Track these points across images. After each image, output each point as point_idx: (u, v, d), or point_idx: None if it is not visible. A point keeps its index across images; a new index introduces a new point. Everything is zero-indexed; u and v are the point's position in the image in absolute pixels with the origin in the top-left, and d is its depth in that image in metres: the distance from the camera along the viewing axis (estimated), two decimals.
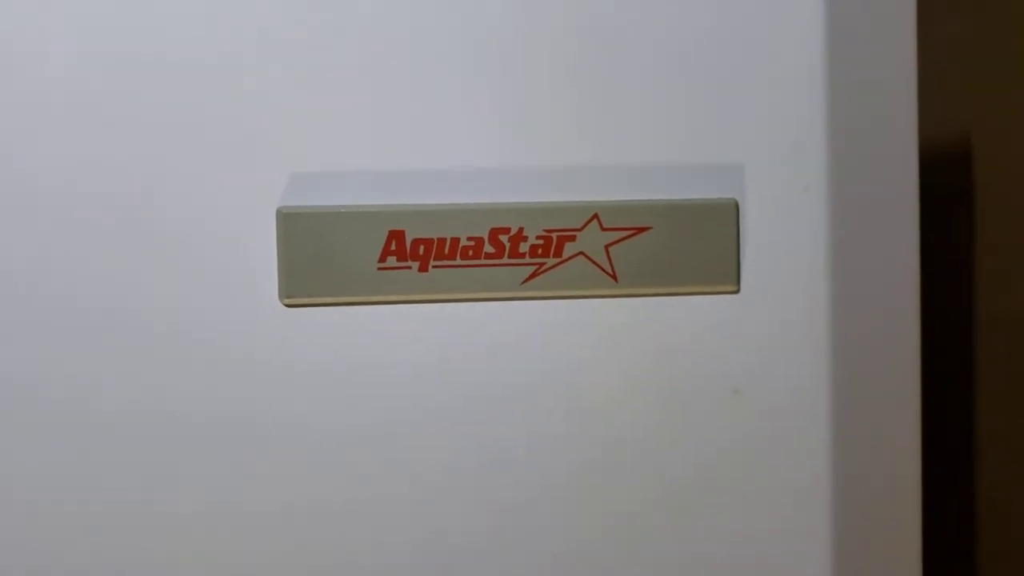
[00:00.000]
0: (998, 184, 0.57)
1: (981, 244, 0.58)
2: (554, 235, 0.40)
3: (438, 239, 0.40)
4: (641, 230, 0.41)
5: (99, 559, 0.40)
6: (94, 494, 0.40)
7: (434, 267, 0.40)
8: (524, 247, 0.40)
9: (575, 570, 0.42)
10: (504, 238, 0.40)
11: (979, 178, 0.58)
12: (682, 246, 0.41)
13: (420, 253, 0.40)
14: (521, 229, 0.40)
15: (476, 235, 0.40)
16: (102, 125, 0.39)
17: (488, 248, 0.40)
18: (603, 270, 0.41)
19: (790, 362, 0.42)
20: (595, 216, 0.40)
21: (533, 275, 0.40)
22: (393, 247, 0.40)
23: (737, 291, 0.41)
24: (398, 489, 0.41)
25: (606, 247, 0.41)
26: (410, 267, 0.40)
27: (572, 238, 0.40)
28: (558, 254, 0.40)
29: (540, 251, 0.40)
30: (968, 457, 0.59)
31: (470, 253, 0.40)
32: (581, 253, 0.41)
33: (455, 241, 0.40)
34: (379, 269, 0.40)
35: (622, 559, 0.42)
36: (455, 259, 0.40)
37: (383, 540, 0.41)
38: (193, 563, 0.40)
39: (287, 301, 0.40)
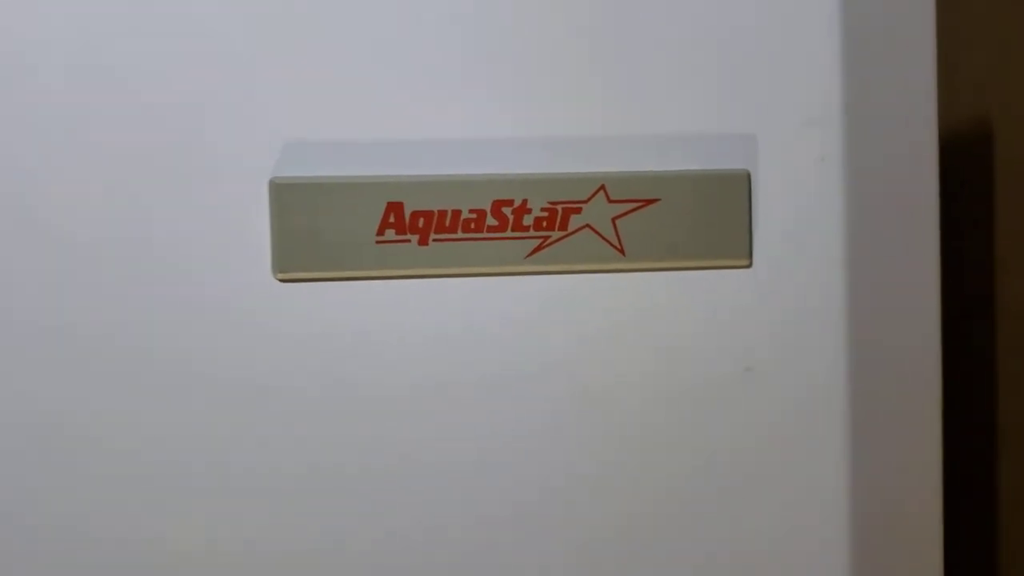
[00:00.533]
0: (1019, 168, 0.55)
1: (1001, 228, 0.56)
2: (559, 207, 0.39)
3: (439, 211, 0.39)
4: (650, 202, 0.39)
5: (96, 524, 0.38)
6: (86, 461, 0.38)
7: (435, 241, 0.39)
8: (528, 220, 0.39)
9: (578, 552, 0.40)
10: (507, 210, 0.39)
11: (1000, 162, 0.57)
12: (692, 219, 0.39)
13: (420, 226, 0.38)
14: (525, 201, 0.39)
15: (478, 207, 0.39)
16: (93, 97, 0.38)
17: (491, 221, 0.39)
18: (610, 243, 0.39)
19: (804, 338, 0.40)
20: (602, 187, 0.39)
21: (537, 248, 0.39)
22: (392, 220, 0.38)
23: (749, 265, 0.40)
24: (392, 466, 0.39)
25: (613, 220, 0.39)
26: (410, 240, 0.39)
27: (578, 210, 0.39)
28: (563, 227, 0.39)
29: (545, 224, 0.39)
30: (989, 444, 0.57)
31: (472, 226, 0.39)
32: (587, 226, 0.39)
33: (456, 214, 0.39)
34: (377, 243, 0.38)
35: (628, 541, 0.40)
36: (456, 232, 0.39)
37: (373, 517, 0.40)
38: (188, 529, 0.39)
39: (281, 276, 0.38)
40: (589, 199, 0.39)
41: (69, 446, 0.38)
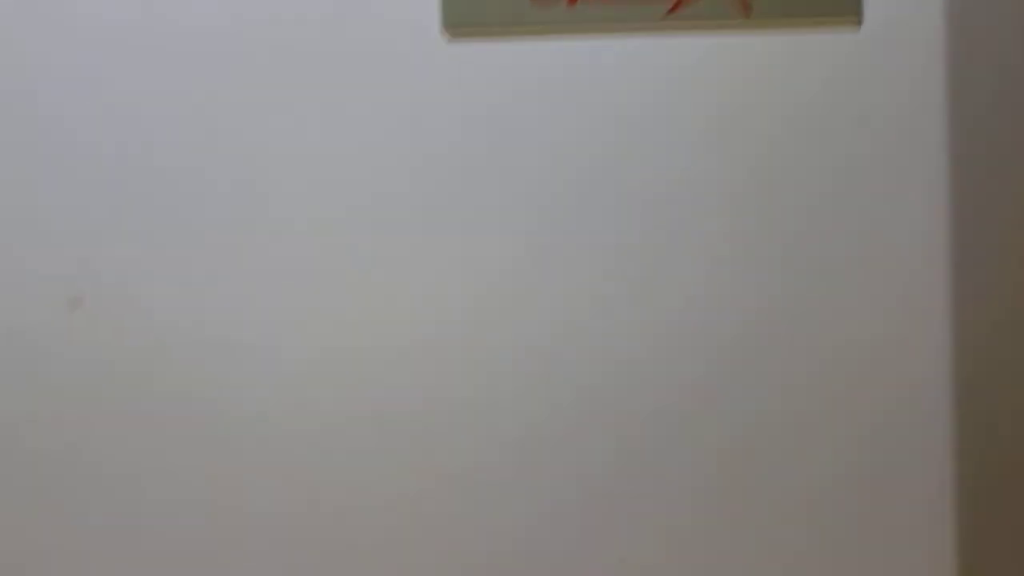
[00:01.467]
0: None
1: None
2: None
3: None
4: None
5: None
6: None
7: (582, 2, 0.44)
8: None
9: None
10: None
11: None
12: None
13: None
14: None
15: None
16: None
17: None
18: (736, 4, 0.44)
19: (910, 98, 0.45)
20: None
21: (673, 9, 0.44)
22: None
23: (859, 26, 0.45)
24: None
25: None
26: (560, 2, 0.44)
27: None
28: None
29: None
30: None
31: None
32: None
33: None
34: (532, 4, 0.44)
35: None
36: None
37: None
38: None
39: (448, 33, 0.44)
40: None
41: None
